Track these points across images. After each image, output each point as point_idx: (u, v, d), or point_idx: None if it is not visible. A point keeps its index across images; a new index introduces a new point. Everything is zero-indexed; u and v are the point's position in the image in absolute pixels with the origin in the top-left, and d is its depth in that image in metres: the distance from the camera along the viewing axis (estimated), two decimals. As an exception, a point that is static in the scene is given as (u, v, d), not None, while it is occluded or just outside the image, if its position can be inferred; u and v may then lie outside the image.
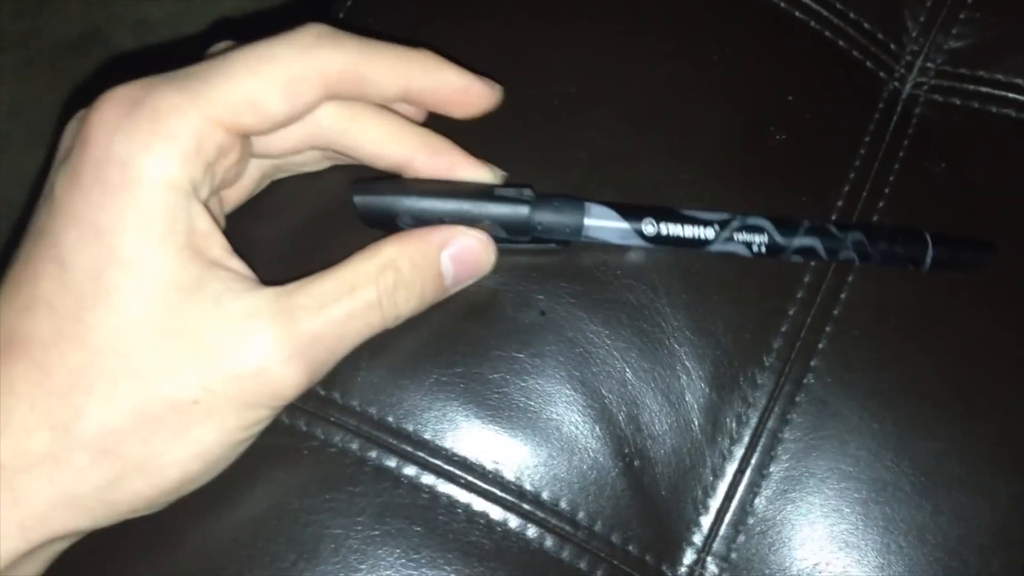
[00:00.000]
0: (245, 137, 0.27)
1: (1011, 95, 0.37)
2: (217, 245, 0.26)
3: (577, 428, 0.32)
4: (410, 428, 0.31)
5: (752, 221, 0.31)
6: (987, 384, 0.33)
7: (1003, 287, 0.34)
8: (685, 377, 0.32)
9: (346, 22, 0.38)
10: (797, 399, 0.33)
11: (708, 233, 0.31)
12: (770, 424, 0.33)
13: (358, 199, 0.29)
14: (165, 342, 0.25)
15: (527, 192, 0.30)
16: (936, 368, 0.33)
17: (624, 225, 0.31)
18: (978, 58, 0.38)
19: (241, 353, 0.25)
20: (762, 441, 0.32)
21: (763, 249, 0.31)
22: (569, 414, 0.32)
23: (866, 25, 0.38)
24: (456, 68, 0.30)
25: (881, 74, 0.38)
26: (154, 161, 0.25)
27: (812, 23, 0.38)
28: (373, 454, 0.31)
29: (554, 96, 0.35)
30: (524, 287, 0.33)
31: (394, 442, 0.31)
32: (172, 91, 0.25)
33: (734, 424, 0.33)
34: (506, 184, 0.31)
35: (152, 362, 0.24)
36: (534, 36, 0.36)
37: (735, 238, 0.31)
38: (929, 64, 0.39)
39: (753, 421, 0.33)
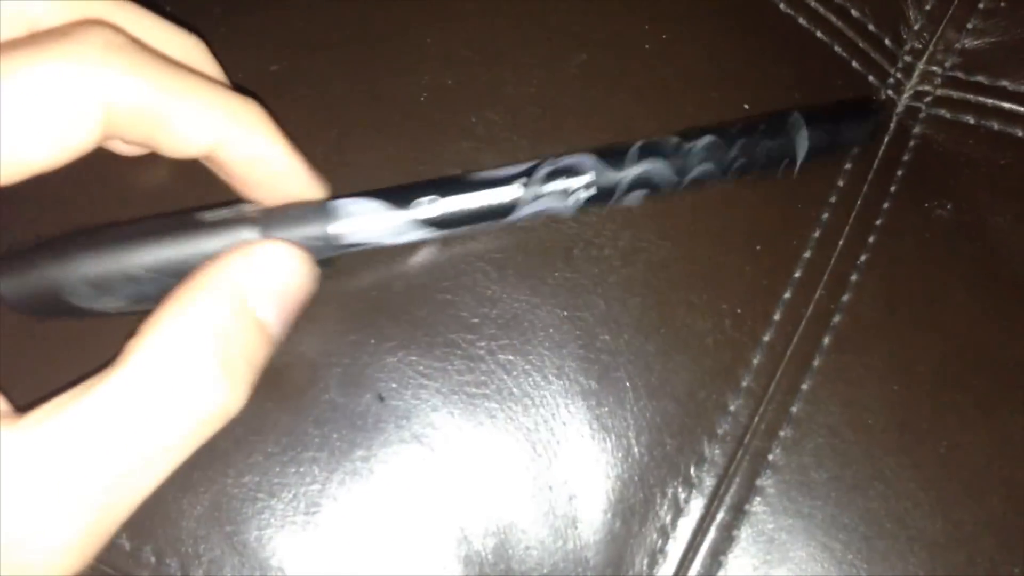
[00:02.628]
0: None
1: (1042, 114, 0.28)
2: None
3: (419, 566, 0.22)
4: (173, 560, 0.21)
5: (567, 161, 0.22)
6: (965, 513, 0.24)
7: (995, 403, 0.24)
8: (579, 498, 0.23)
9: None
10: (735, 532, 0.23)
11: (512, 193, 0.22)
12: (695, 573, 0.23)
13: (5, 287, 0.19)
14: None
15: (248, 208, 0.21)
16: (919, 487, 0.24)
17: (396, 216, 0.21)
18: (1001, 63, 0.28)
19: None
20: (683, 593, 0.23)
21: (589, 196, 0.22)
22: (412, 548, 0.22)
23: (854, 12, 0.29)
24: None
25: (871, 78, 0.29)
26: None
27: (782, 6, 0.28)
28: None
29: (422, 89, 0.25)
30: (357, 359, 0.23)
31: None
32: None
33: (645, 565, 0.23)
34: (214, 205, 0.21)
35: None
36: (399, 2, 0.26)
37: (547, 190, 0.22)
38: (935, 68, 0.29)
39: (672, 562, 0.23)
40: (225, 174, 0.21)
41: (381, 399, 0.23)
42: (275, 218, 0.20)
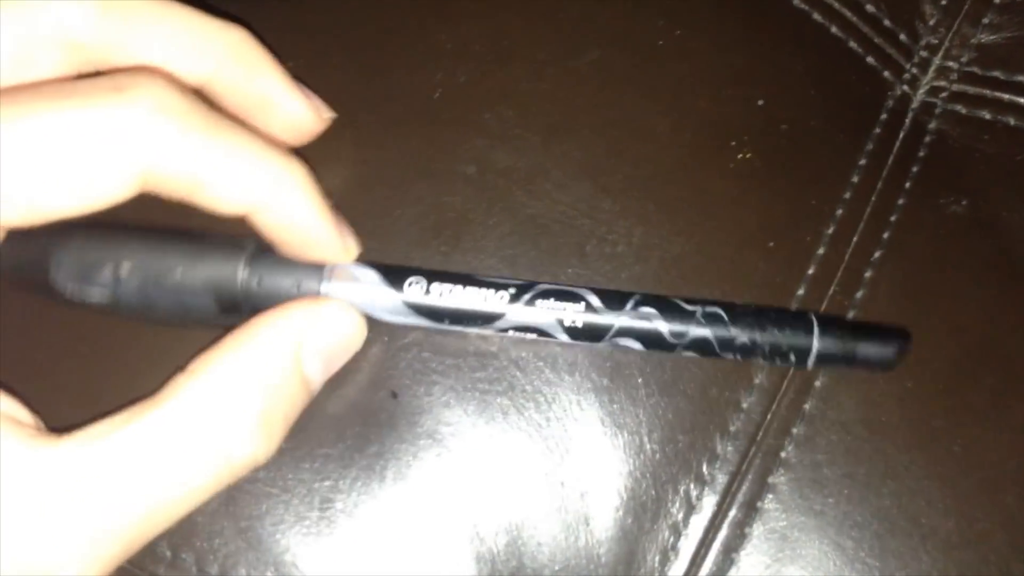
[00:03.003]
0: None
1: (1058, 110, 0.28)
2: None
3: (431, 563, 0.22)
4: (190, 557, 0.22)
5: (563, 288, 0.22)
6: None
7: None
8: (591, 495, 0.23)
9: None
10: (747, 529, 0.23)
11: (499, 303, 0.22)
12: (707, 571, 0.23)
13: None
14: None
15: (247, 242, 0.21)
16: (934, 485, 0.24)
17: (384, 292, 0.21)
18: (1017, 58, 0.28)
19: None
20: (695, 590, 0.23)
21: (576, 328, 0.22)
22: (425, 544, 0.22)
23: (869, 7, 0.29)
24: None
25: (886, 74, 0.29)
26: None
27: (796, 1, 0.28)
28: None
29: (435, 86, 0.25)
30: (368, 355, 0.23)
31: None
32: None
33: (657, 562, 0.23)
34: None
35: None
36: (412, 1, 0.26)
37: (537, 308, 0.22)
38: (951, 63, 0.29)
39: (684, 559, 0.23)
40: (258, 228, 0.21)
41: (394, 396, 0.23)
42: (270, 259, 0.21)
